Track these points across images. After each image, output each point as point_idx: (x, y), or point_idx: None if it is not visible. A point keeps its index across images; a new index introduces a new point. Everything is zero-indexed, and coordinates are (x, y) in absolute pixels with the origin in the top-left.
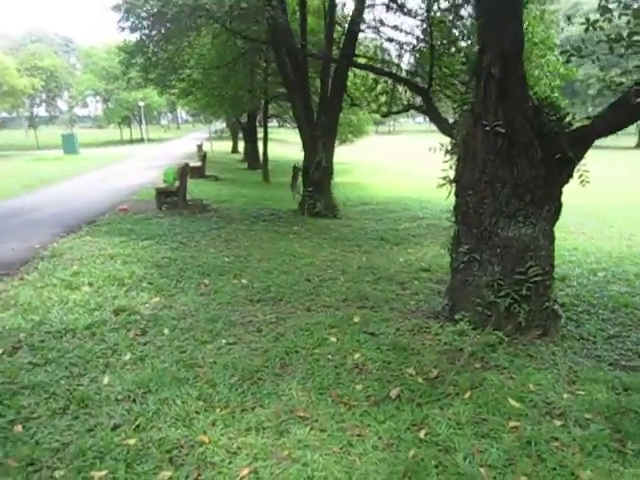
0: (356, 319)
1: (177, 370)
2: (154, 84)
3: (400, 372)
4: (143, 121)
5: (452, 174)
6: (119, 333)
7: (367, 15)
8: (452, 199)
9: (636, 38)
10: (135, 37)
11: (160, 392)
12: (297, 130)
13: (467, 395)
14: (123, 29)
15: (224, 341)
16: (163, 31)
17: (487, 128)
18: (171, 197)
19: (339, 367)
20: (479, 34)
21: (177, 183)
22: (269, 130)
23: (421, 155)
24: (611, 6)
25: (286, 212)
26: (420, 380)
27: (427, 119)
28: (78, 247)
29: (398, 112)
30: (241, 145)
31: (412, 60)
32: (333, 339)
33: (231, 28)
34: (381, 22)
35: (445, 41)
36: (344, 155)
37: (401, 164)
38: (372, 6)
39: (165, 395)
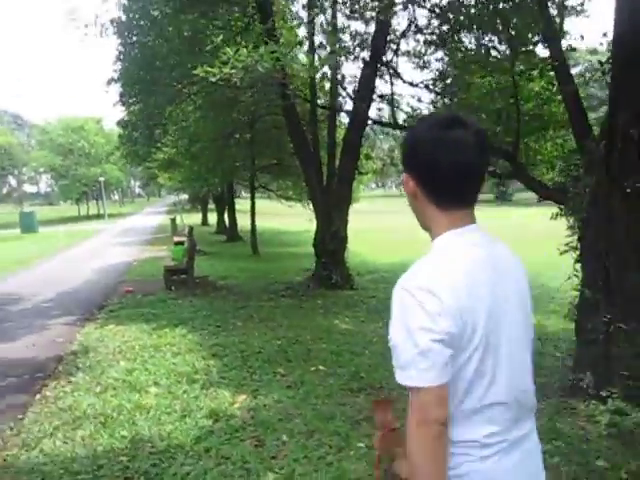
0: None
1: None
2: (140, 158)
3: (588, 465)
4: (103, 197)
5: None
6: (236, 446)
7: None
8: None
9: None
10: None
11: None
12: (281, 200)
13: None
14: (123, 102)
15: (362, 444)
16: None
17: (628, 190)
18: (178, 275)
19: None
20: (610, 92)
21: (185, 261)
22: (241, 201)
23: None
24: None
25: (299, 285)
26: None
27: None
28: (109, 338)
29: None
30: (211, 217)
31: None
32: None
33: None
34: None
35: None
36: None
37: (382, 229)
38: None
39: None
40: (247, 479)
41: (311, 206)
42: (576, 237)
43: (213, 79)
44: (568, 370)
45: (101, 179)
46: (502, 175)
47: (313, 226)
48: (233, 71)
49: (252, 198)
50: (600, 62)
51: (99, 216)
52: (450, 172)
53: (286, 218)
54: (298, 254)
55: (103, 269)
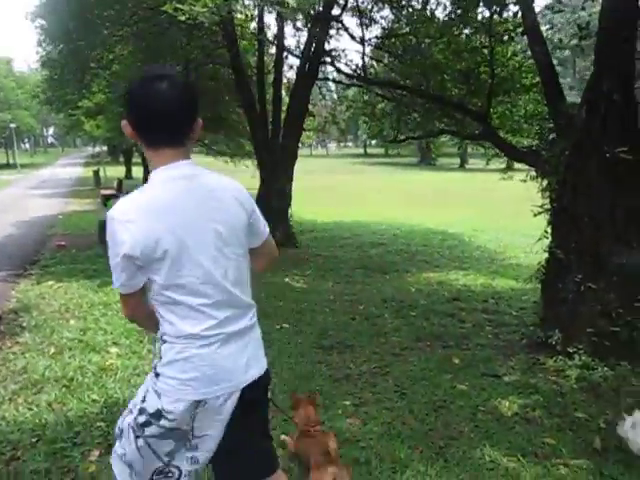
0: (456, 360)
1: None
2: (66, 105)
3: (567, 417)
4: (14, 145)
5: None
6: None
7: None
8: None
9: None
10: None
11: None
12: (216, 157)
13: None
14: (48, 41)
15: (347, 402)
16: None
17: (608, 155)
18: None
19: (500, 420)
20: (596, 57)
21: None
22: None
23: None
24: None
25: None
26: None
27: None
28: (51, 295)
29: (418, 138)
30: (136, 170)
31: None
32: (462, 387)
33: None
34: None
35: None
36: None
37: (316, 188)
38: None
39: None
40: None
41: (247, 163)
42: (548, 200)
43: (182, 18)
44: (531, 328)
45: (12, 125)
46: (470, 136)
47: (252, 183)
48: (204, 10)
49: None
50: (579, 26)
51: (9, 166)
52: (155, 118)
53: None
54: None
55: (26, 222)
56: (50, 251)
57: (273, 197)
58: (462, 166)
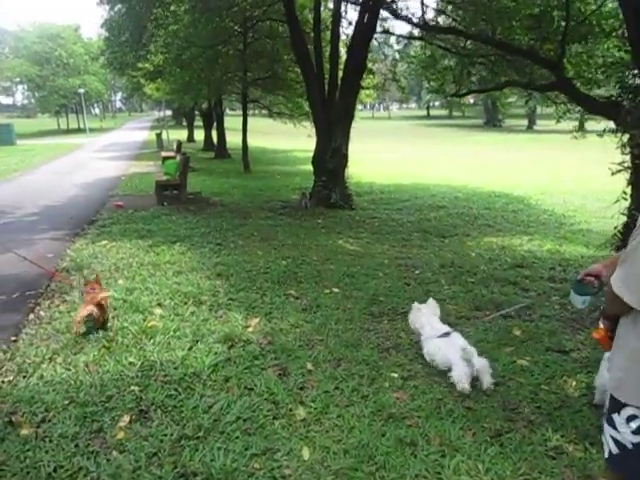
0: (517, 332)
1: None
2: (125, 66)
3: None
4: (84, 109)
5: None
6: (258, 375)
7: None
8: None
9: None
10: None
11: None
12: (270, 118)
13: None
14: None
15: (395, 374)
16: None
17: None
18: (170, 191)
19: (566, 402)
20: None
21: (178, 175)
22: (228, 119)
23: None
24: None
25: (297, 203)
26: None
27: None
28: (103, 255)
29: (482, 91)
30: (197, 134)
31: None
32: (523, 362)
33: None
34: None
35: None
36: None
37: (382, 150)
38: None
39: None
40: (276, 413)
41: (306, 124)
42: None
43: None
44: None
45: (81, 91)
46: (541, 87)
47: (310, 145)
48: None
49: (244, 112)
50: None
51: (80, 130)
52: None
53: (277, 137)
54: (291, 172)
55: (90, 184)
56: (108, 211)
57: (329, 157)
58: (530, 127)
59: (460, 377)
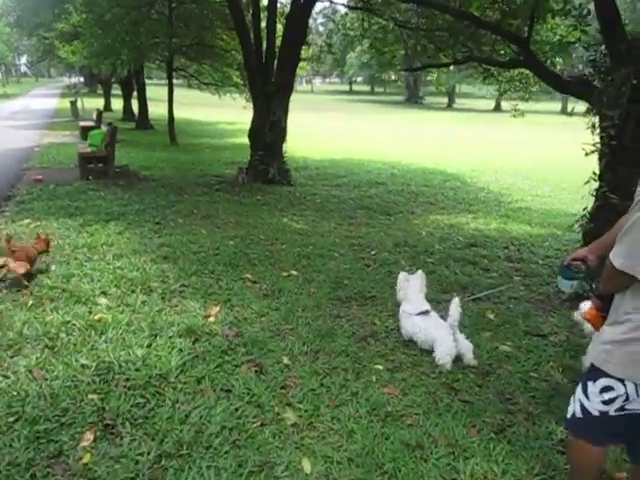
0: (491, 316)
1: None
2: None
3: None
4: None
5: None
6: (233, 375)
7: None
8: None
9: None
10: None
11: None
12: (193, 89)
13: None
14: None
15: (379, 366)
16: None
17: None
18: (95, 164)
19: (558, 389)
20: None
21: (104, 147)
22: (149, 86)
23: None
24: None
25: (233, 179)
26: None
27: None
28: (27, 235)
29: (440, 65)
30: (115, 102)
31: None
32: (506, 348)
33: None
34: None
35: None
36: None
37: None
38: None
39: None
40: (263, 418)
41: (235, 95)
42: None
43: None
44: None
45: None
46: (505, 63)
47: (237, 116)
48: None
49: (170, 81)
50: None
51: None
52: None
53: (201, 109)
54: (220, 146)
55: (2, 155)
56: (26, 186)
57: (267, 131)
58: (450, 105)
59: (444, 354)
